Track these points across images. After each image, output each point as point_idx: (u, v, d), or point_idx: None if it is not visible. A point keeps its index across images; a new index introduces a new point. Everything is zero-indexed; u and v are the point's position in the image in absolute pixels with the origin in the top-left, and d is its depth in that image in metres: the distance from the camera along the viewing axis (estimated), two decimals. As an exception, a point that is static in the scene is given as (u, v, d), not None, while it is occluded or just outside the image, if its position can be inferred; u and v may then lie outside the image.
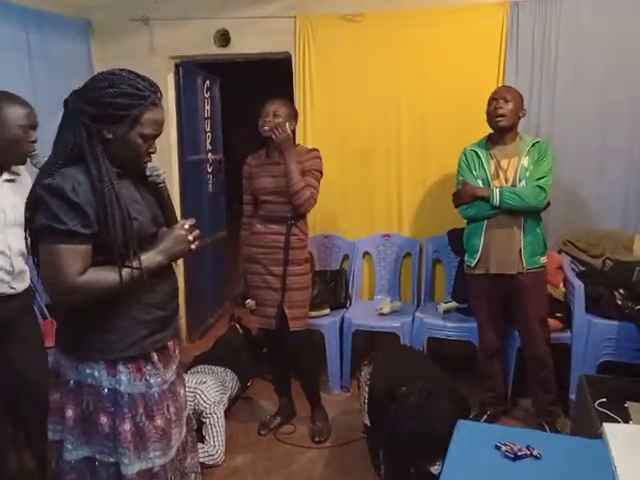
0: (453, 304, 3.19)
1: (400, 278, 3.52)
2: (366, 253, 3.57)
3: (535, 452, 1.61)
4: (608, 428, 1.74)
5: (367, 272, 3.60)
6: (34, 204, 1.35)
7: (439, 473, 1.62)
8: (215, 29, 3.54)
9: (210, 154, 4.25)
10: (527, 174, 2.55)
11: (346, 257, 3.58)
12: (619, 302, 2.68)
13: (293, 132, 2.65)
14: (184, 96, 3.77)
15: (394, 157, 3.41)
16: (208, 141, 4.22)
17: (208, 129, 4.20)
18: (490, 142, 2.67)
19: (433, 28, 3.24)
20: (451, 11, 3.21)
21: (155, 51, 3.58)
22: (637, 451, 1.37)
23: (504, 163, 2.60)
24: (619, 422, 1.90)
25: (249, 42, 3.52)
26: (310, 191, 2.53)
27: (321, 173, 2.62)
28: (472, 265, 2.67)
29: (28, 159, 2.00)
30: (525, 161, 2.57)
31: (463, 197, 2.64)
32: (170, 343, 1.59)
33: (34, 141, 1.98)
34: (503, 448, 1.63)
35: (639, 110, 3.00)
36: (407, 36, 3.27)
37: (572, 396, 2.65)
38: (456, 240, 3.31)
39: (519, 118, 2.62)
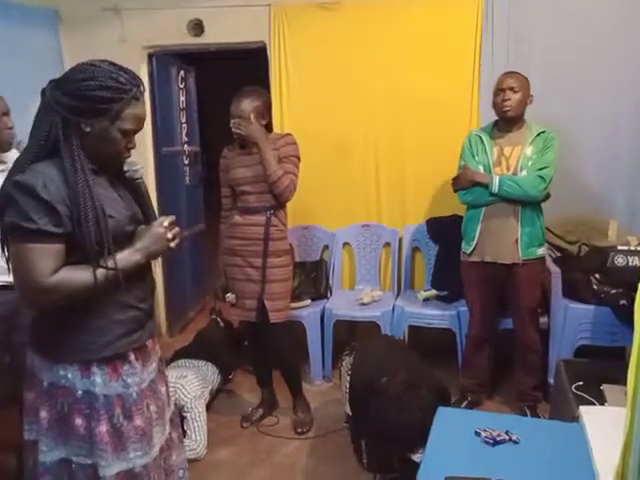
0: (433, 292, 3.22)
1: (380, 267, 3.53)
2: (346, 243, 3.56)
3: (514, 437, 1.64)
4: (584, 411, 1.78)
5: (347, 262, 3.60)
6: (4, 201, 1.30)
7: (421, 461, 1.63)
8: (188, 19, 3.48)
9: (186, 145, 4.19)
10: (529, 163, 2.52)
11: (326, 248, 3.57)
12: (595, 287, 2.72)
13: (268, 124, 2.62)
14: (158, 87, 3.70)
15: (372, 146, 3.40)
16: (184, 132, 4.15)
17: (184, 120, 4.14)
18: (496, 128, 2.65)
19: (409, 16, 3.23)
20: (427, 0, 3.19)
21: (127, 41, 3.49)
22: (613, 433, 1.39)
23: (507, 151, 2.57)
24: (595, 405, 1.94)
25: (223, 32, 3.47)
26: (289, 178, 2.50)
27: (298, 158, 2.58)
28: (468, 252, 2.66)
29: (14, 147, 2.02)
30: (529, 150, 2.53)
31: (462, 182, 2.62)
32: (149, 341, 1.56)
33: (11, 127, 1.99)
34: (483, 434, 1.66)
35: (612, 95, 3.03)
36: (383, 24, 3.25)
37: (551, 380, 2.70)
38: (435, 229, 3.34)
39: (526, 105, 2.57)
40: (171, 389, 2.54)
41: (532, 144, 2.54)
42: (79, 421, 1.40)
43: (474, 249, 2.63)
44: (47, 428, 1.42)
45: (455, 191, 2.69)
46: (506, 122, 2.60)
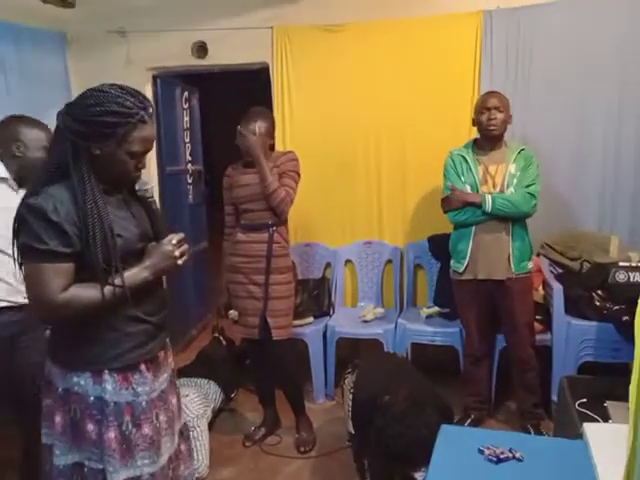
0: (435, 309, 3.22)
1: (382, 285, 3.53)
2: (348, 261, 3.57)
3: (517, 455, 1.63)
4: (588, 428, 1.77)
5: (349, 279, 3.61)
6: (18, 223, 1.37)
7: (424, 479, 1.63)
8: (192, 41, 3.54)
9: (190, 165, 4.24)
10: (515, 181, 2.57)
11: (328, 265, 3.58)
12: (597, 303, 2.72)
13: (272, 145, 2.66)
14: (162, 108, 3.76)
15: (374, 165, 3.43)
16: (188, 152, 4.21)
17: (187, 140, 4.20)
18: (477, 147, 2.68)
19: (410, 38, 3.28)
20: (427, 21, 3.24)
21: (132, 63, 3.56)
22: (617, 450, 1.39)
23: (492, 169, 2.61)
24: (599, 422, 1.93)
25: (227, 53, 3.53)
26: (285, 190, 2.53)
27: (298, 174, 2.62)
28: (460, 271, 2.66)
29: None
30: (512, 168, 2.58)
31: (453, 203, 2.62)
32: (161, 353, 1.61)
33: None
34: (486, 452, 1.65)
35: (612, 112, 3.06)
36: (384, 46, 3.31)
37: (554, 397, 2.68)
38: (436, 246, 3.34)
39: (507, 124, 2.64)
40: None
41: (515, 162, 2.59)
42: (91, 426, 1.46)
43: (466, 267, 2.64)
44: (61, 433, 1.48)
45: (445, 212, 2.69)
46: (488, 141, 2.64)
